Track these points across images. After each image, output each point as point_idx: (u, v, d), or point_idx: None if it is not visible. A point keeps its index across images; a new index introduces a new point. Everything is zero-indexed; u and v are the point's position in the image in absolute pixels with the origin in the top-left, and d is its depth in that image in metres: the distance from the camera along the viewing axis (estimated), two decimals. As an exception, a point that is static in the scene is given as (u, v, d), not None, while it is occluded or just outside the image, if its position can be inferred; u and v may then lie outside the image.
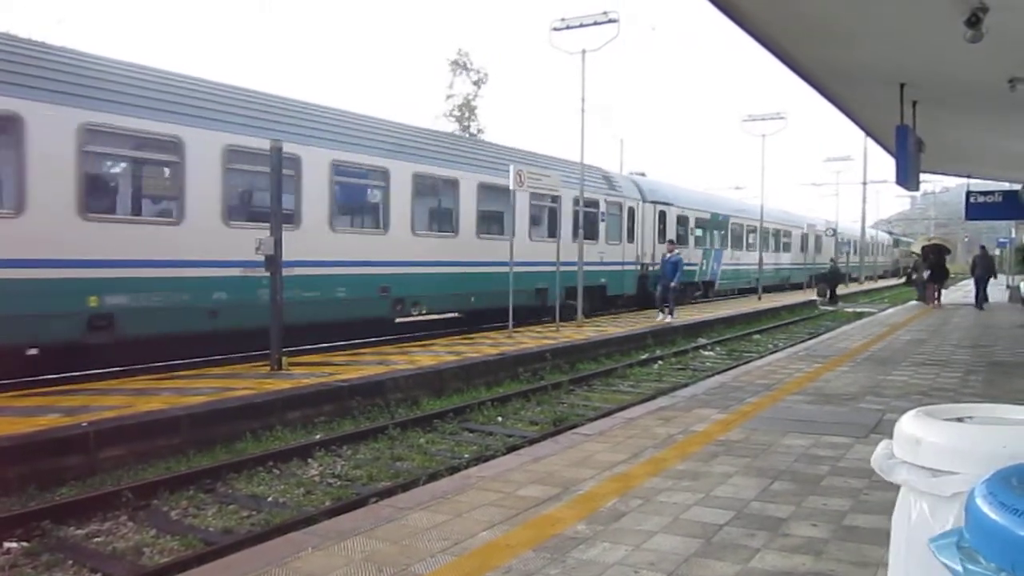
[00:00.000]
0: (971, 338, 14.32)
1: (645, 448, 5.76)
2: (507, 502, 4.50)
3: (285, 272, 9.98)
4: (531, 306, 16.81)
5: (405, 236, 13.75)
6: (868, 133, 15.64)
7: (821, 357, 11.39)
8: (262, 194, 10.89)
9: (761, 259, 30.11)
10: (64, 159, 9.09)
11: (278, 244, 9.65)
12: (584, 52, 16.90)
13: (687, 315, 19.89)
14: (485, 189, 15.49)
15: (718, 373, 10.93)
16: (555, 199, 16.95)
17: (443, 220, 14.98)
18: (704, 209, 27.66)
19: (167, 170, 10.60)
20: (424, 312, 14.38)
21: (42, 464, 6.26)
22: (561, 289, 16.05)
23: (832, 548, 3.75)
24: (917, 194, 61.79)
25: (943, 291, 25.81)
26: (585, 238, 17.58)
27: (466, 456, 7.46)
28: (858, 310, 27.46)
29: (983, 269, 23.90)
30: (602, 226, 19.99)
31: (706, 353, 15.79)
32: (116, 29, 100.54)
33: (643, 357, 14.19)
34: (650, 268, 21.88)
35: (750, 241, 31.27)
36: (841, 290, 33.18)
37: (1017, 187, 18.80)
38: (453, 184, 14.52)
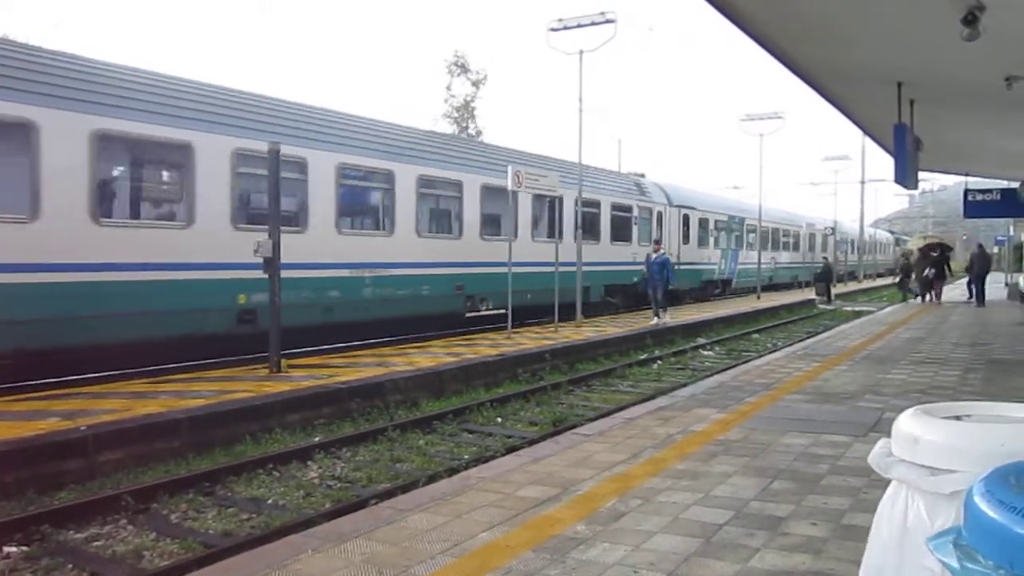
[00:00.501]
0: (970, 336, 14.33)
1: (644, 448, 5.76)
2: (507, 503, 4.50)
3: (383, 273, 12.69)
4: (572, 303, 18.04)
5: (475, 240, 15.83)
6: (866, 132, 15.65)
7: (820, 356, 11.40)
8: (362, 206, 13.59)
9: (765, 258, 30.55)
10: (222, 176, 10.86)
11: (276, 247, 9.69)
12: (581, 52, 16.95)
13: (687, 315, 19.92)
14: (537, 199, 17.43)
15: (717, 373, 10.93)
16: (597, 206, 19.65)
17: (504, 226, 16.32)
18: (722, 212, 28.39)
19: (294, 184, 11.86)
20: (491, 307, 16.23)
21: (41, 468, 6.25)
22: (600, 287, 19.03)
23: (831, 547, 3.75)
24: (915, 192, 61.89)
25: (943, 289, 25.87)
26: (620, 240, 20.70)
27: (465, 457, 7.45)
28: (857, 309, 27.46)
29: (980, 267, 23.97)
30: (635, 229, 21.96)
31: (705, 353, 15.81)
32: (116, 30, 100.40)
33: (642, 357, 14.20)
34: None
35: (761, 241, 31.67)
36: (840, 289, 33.16)
37: (1015, 185, 18.77)
38: (513, 196, 15.51)
